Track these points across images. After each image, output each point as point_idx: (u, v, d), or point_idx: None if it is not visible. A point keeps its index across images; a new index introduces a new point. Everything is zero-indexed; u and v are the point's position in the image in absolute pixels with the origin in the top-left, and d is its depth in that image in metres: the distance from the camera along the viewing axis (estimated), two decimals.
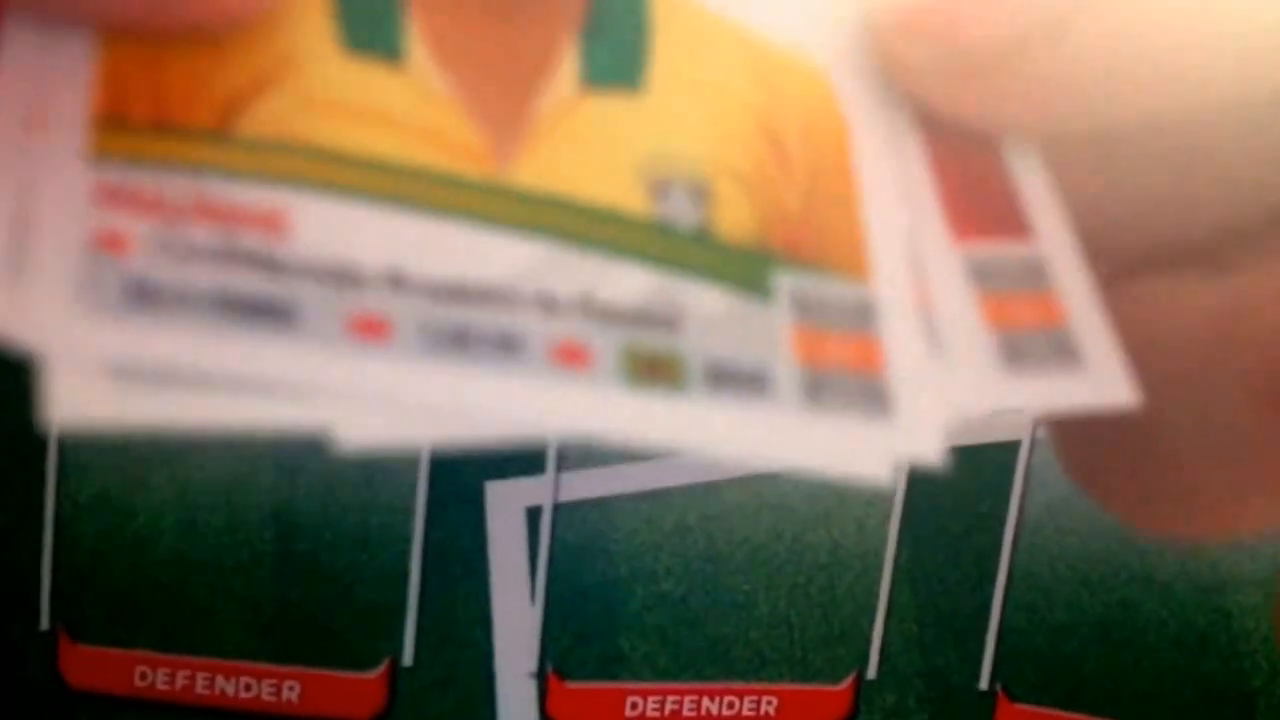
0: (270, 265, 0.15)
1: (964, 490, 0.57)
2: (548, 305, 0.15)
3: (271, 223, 0.15)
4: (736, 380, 0.16)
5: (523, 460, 0.56)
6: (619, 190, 0.16)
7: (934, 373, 0.17)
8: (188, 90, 0.15)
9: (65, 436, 0.56)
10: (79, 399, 0.14)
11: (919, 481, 0.57)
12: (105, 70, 0.15)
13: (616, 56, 0.17)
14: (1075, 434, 0.20)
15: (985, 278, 0.17)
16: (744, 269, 0.17)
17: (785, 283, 0.17)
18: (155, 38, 0.15)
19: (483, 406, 0.15)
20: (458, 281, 0.15)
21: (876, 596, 0.57)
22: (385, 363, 0.15)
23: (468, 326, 0.15)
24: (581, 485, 0.57)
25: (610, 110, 0.17)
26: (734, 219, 0.17)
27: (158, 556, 0.56)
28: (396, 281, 0.15)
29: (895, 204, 0.18)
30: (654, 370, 0.16)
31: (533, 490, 0.56)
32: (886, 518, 0.57)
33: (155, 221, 0.15)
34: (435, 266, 0.15)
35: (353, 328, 0.15)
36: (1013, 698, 0.55)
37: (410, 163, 0.16)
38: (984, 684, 0.55)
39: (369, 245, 0.15)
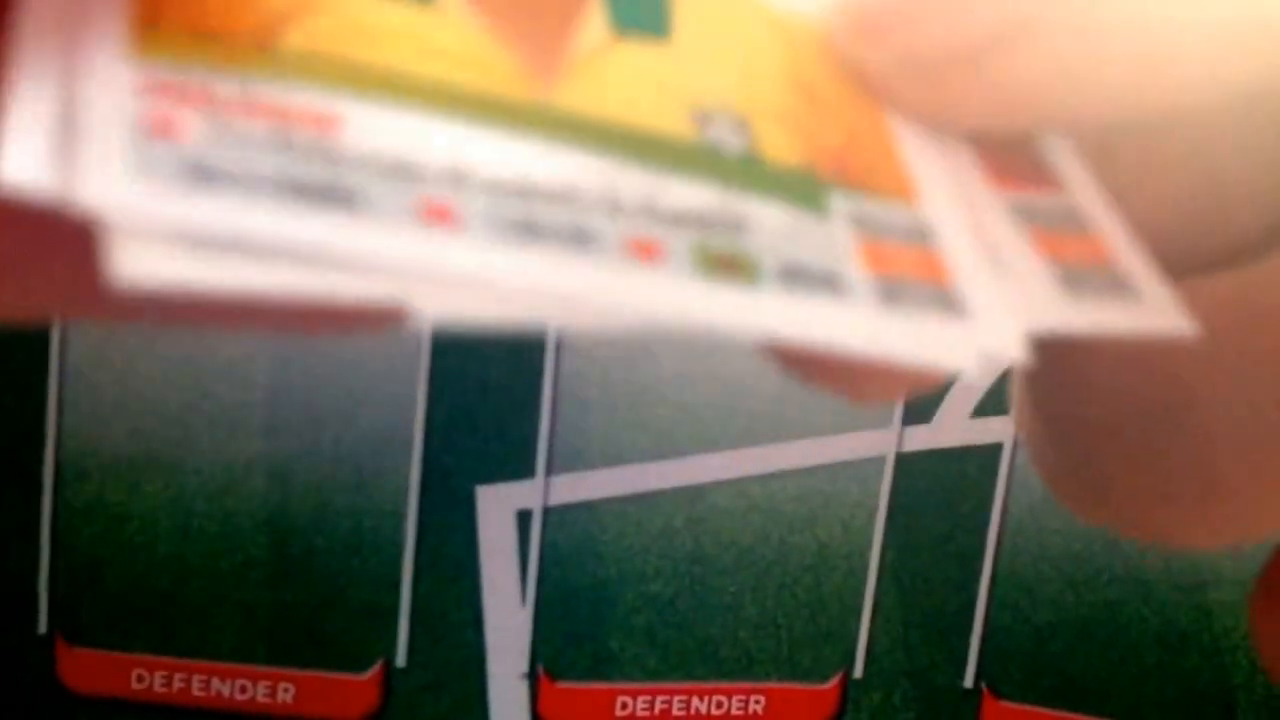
0: (329, 157, 0.14)
1: (948, 492, 0.57)
2: (614, 207, 0.16)
3: (325, 123, 0.15)
4: (811, 280, 0.16)
5: (513, 464, 0.57)
6: (665, 117, 0.16)
7: (1001, 288, 0.17)
8: (227, 5, 0.15)
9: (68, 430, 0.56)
10: (148, 262, 0.13)
11: (903, 484, 0.57)
12: None
13: (642, 5, 0.17)
14: (1071, 457, 0.20)
15: (1032, 217, 0.18)
16: (799, 188, 0.17)
17: (840, 203, 0.17)
18: None
19: (559, 290, 0.15)
20: (520, 181, 0.15)
21: (862, 597, 0.57)
22: (457, 245, 0.14)
23: (536, 220, 0.15)
24: (570, 489, 0.57)
25: (643, 53, 0.17)
26: (779, 148, 0.17)
27: (154, 561, 0.56)
28: (458, 179, 0.15)
29: (935, 148, 0.18)
30: (728, 266, 0.16)
31: (523, 494, 0.57)
32: (872, 519, 0.57)
33: (206, 113, 0.14)
34: (497, 167, 0.15)
35: (422, 213, 0.14)
36: (998, 695, 0.56)
37: (457, 82, 0.16)
38: (969, 682, 0.55)
39: (427, 147, 0.15)
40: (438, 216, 0.15)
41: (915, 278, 0.17)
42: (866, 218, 0.17)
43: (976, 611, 0.56)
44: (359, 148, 0.15)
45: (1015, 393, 0.21)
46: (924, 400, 0.58)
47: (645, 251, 0.15)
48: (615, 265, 0.15)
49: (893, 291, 0.16)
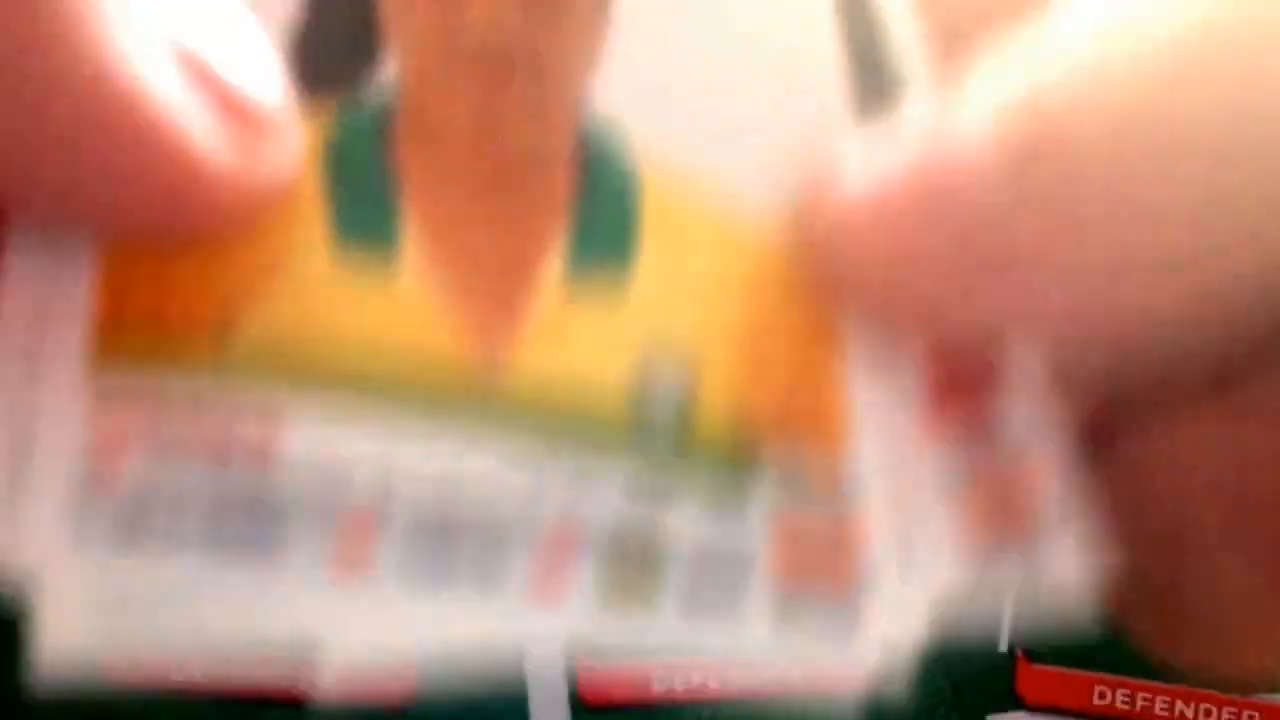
0: (260, 485, 0.15)
1: None
2: (531, 528, 0.16)
3: (266, 426, 0.15)
4: (711, 601, 0.16)
5: None
6: (602, 393, 0.17)
7: (912, 565, 0.17)
8: (186, 293, 0.16)
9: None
10: (65, 633, 0.14)
11: None
12: (106, 275, 0.15)
13: (603, 251, 0.17)
14: (1140, 577, 0.19)
15: (961, 462, 0.18)
16: (725, 469, 0.17)
17: (765, 474, 0.17)
18: (155, 240, 0.16)
19: (462, 638, 0.15)
20: (443, 499, 0.16)
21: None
22: (367, 594, 0.15)
23: (450, 554, 0.16)
24: None
25: (596, 301, 0.17)
26: (715, 408, 0.17)
27: None
28: (385, 494, 0.16)
29: (880, 379, 0.18)
30: (632, 593, 0.16)
31: None
32: None
33: (151, 429, 0.15)
34: (423, 469, 0.16)
35: (336, 560, 0.15)
36: (1032, 659, 0.56)
37: (400, 372, 0.16)
38: (1004, 646, 0.56)
39: (359, 452, 0.16)
40: (348, 568, 0.15)
41: (818, 583, 0.17)
42: (789, 486, 0.17)
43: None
44: (292, 464, 0.15)
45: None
46: None
47: (552, 587, 0.16)
48: (521, 609, 0.16)
49: (791, 606, 0.17)
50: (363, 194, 0.16)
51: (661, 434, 0.17)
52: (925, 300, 0.17)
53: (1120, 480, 0.19)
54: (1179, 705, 0.55)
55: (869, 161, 0.17)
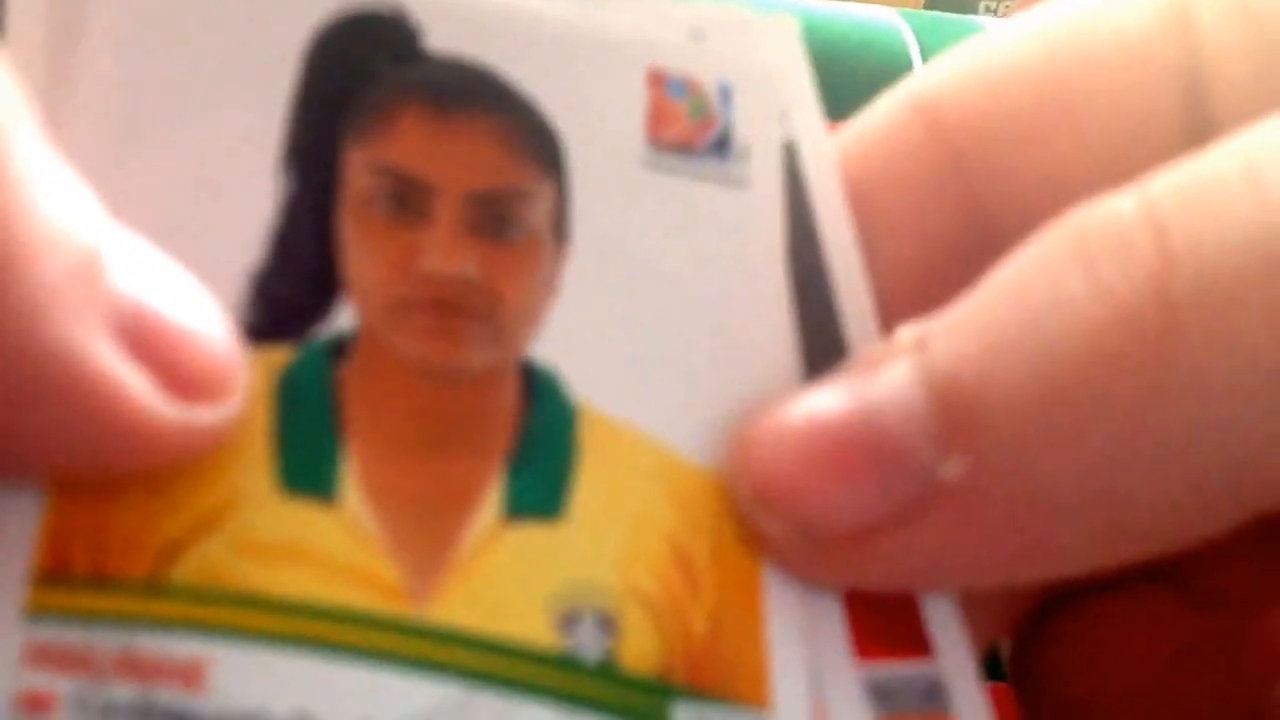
0: (186, 710, 0.16)
1: None
2: None
3: (191, 675, 0.16)
4: None
5: None
6: (529, 627, 0.17)
7: None
8: (128, 538, 0.16)
9: None
10: None
11: None
12: (50, 521, 0.16)
13: (540, 486, 0.18)
14: None
15: (885, 699, 0.18)
16: (643, 701, 0.17)
17: (681, 713, 0.17)
18: (101, 483, 0.16)
19: None
20: None
21: None
22: None
23: None
24: None
25: (527, 543, 0.18)
26: (639, 648, 0.17)
27: None
28: None
29: (801, 624, 0.18)
30: None
31: None
32: None
33: (80, 681, 0.15)
34: (342, 712, 0.16)
35: None
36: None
37: (330, 606, 0.16)
38: None
39: (281, 694, 0.16)
40: None
41: None
42: None
43: None
44: (215, 704, 0.16)
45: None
46: None
47: None
48: None
49: None
50: (309, 436, 0.17)
51: (585, 667, 0.17)
52: (848, 534, 0.17)
53: (1048, 678, 0.20)
54: None
55: (805, 404, 0.18)
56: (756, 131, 0.20)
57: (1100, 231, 0.16)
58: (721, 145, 0.20)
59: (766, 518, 0.18)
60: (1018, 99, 0.20)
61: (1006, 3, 0.77)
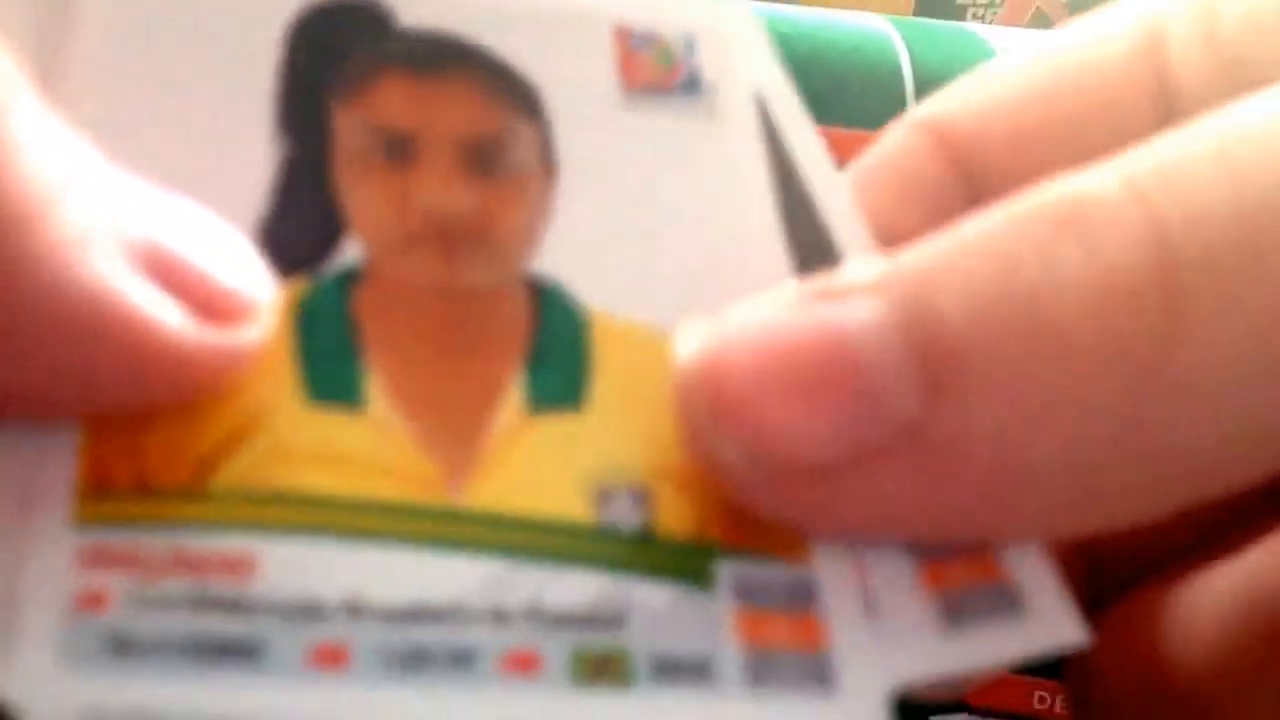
0: (237, 607, 0.16)
1: None
2: (499, 618, 0.17)
3: (240, 567, 0.16)
4: (681, 670, 0.17)
5: None
6: (565, 505, 0.18)
7: (875, 646, 0.17)
8: (166, 452, 0.17)
9: None
10: None
11: None
12: (88, 443, 0.17)
13: (559, 382, 0.19)
14: None
15: (925, 549, 0.18)
16: (685, 562, 0.18)
17: (726, 570, 0.18)
18: (129, 415, 0.17)
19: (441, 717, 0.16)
20: (412, 604, 0.17)
21: None
22: (345, 687, 0.16)
23: (422, 647, 0.16)
24: None
25: (554, 431, 0.18)
26: (675, 517, 0.18)
27: None
28: (355, 610, 0.16)
29: None
30: (601, 670, 0.17)
31: None
32: None
33: (132, 577, 0.16)
34: (391, 593, 0.16)
35: (314, 659, 0.16)
36: None
37: (370, 499, 0.17)
38: None
39: (330, 579, 0.16)
40: (329, 660, 0.16)
41: (788, 649, 0.17)
42: (750, 584, 0.18)
43: None
44: (268, 593, 0.16)
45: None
46: None
47: (523, 664, 0.17)
48: (493, 686, 0.16)
49: (763, 667, 0.17)
50: (331, 352, 0.18)
51: (623, 535, 0.18)
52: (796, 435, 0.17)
53: (1118, 645, 0.20)
54: None
55: (766, 314, 0.17)
56: (724, 76, 0.21)
57: (1088, 203, 0.17)
58: (691, 85, 0.21)
59: (721, 442, 0.17)
60: (1020, 121, 0.22)
61: (994, 10, 0.79)
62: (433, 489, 0.17)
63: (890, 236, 0.20)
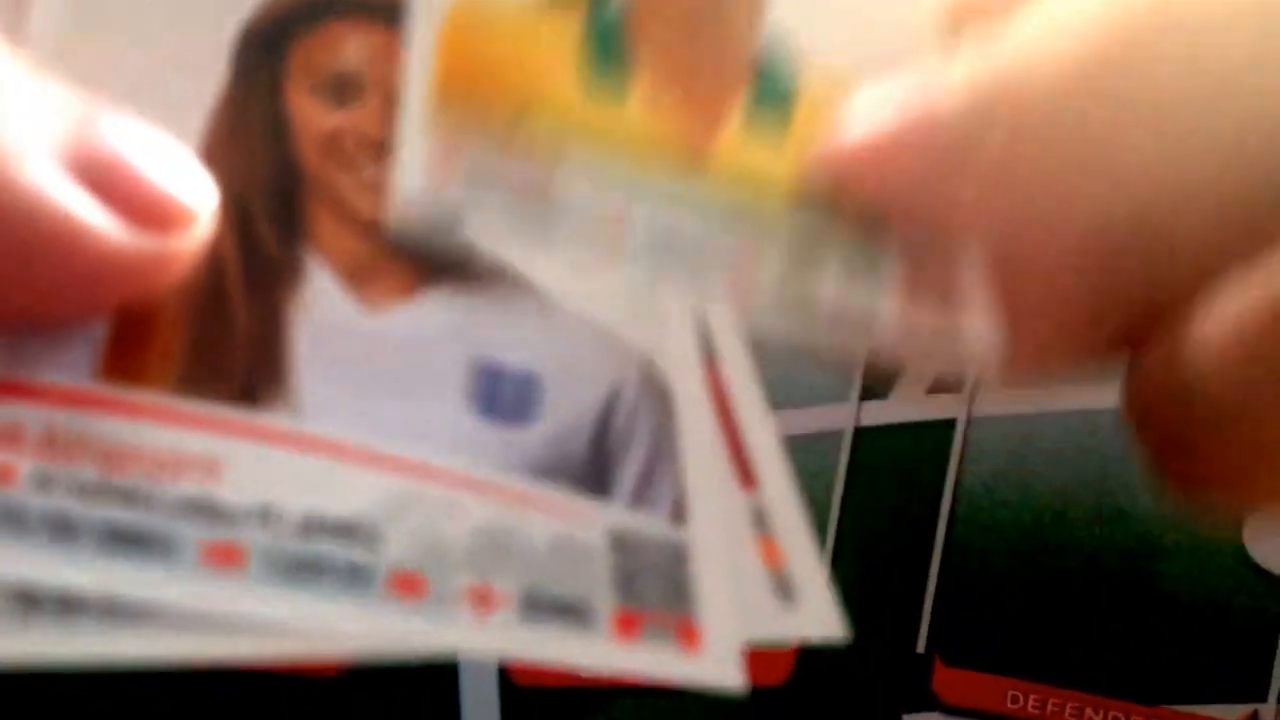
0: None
1: (904, 464, 0.59)
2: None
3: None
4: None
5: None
6: (776, 181, 0.21)
7: (735, 612, 0.20)
8: (493, 81, 0.20)
9: None
10: None
11: (860, 456, 0.59)
12: (444, 43, 0.19)
13: (773, 96, 0.21)
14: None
15: (757, 521, 0.20)
16: (858, 243, 0.21)
17: (889, 255, 0.21)
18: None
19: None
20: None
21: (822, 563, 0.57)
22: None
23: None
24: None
25: (769, 130, 0.21)
26: (854, 208, 0.21)
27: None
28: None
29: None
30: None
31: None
32: (830, 491, 0.58)
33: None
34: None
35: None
36: (948, 661, 0.57)
37: (634, 157, 0.20)
38: (921, 647, 0.57)
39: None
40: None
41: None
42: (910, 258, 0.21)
43: (930, 580, 0.57)
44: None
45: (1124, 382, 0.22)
46: (880, 376, 0.60)
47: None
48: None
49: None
50: (607, 42, 0.20)
51: (816, 210, 0.21)
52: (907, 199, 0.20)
53: (1163, 376, 0.21)
54: (1088, 711, 0.56)
55: (879, 96, 0.21)
56: None
57: None
58: None
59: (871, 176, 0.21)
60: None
61: None
62: (683, 153, 0.20)
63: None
